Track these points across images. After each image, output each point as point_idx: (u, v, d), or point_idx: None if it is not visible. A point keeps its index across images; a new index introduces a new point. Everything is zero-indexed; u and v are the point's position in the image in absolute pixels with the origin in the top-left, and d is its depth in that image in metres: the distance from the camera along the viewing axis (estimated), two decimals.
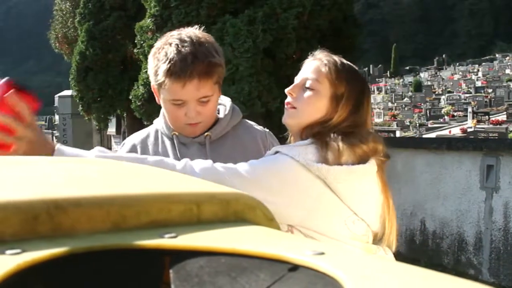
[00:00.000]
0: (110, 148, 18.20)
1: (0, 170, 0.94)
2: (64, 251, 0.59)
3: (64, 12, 16.43)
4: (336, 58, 1.82)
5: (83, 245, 0.60)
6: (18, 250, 0.57)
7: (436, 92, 27.12)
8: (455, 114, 17.33)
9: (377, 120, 22.40)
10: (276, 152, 1.70)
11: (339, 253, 0.64)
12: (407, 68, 55.12)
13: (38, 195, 0.65)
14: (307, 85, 1.76)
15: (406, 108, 25.78)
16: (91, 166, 1.01)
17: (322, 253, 0.61)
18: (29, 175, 0.87)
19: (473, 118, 14.70)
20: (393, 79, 45.15)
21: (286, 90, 1.80)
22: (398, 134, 17.71)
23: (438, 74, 39.62)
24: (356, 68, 1.86)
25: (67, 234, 0.63)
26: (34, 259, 0.56)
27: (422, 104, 25.99)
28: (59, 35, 16.46)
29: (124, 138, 14.88)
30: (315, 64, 1.79)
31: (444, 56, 53.25)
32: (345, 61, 1.83)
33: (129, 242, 0.63)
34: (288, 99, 1.80)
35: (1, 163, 1.04)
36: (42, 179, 0.82)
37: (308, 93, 1.76)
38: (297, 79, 1.81)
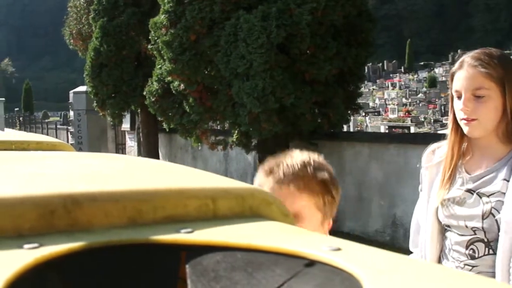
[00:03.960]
0: (124, 144, 18.26)
1: (17, 165, 0.95)
2: (81, 245, 0.59)
3: (78, 9, 16.45)
4: (480, 53, 1.89)
5: (100, 240, 0.61)
6: (36, 245, 0.57)
7: None
8: None
9: (391, 116, 22.30)
10: None
11: (356, 248, 0.63)
12: (422, 63, 54.78)
13: (55, 190, 0.66)
14: (477, 94, 1.86)
15: (420, 104, 25.65)
16: (107, 161, 1.02)
17: (339, 249, 0.61)
18: (45, 170, 0.87)
19: None
20: (407, 74, 44.95)
21: (462, 108, 1.88)
22: (412, 130, 17.62)
23: None
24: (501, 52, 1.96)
25: (84, 229, 0.63)
26: (51, 253, 0.56)
27: (436, 100, 25.83)
28: (74, 32, 16.50)
29: (138, 134, 14.92)
30: (471, 72, 1.86)
31: (459, 51, 52.83)
32: (487, 51, 1.91)
33: (146, 237, 0.63)
34: (464, 115, 1.89)
35: (18, 158, 1.05)
36: (59, 174, 0.82)
37: (482, 102, 1.86)
38: (464, 92, 1.88)
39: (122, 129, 17.53)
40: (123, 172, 0.90)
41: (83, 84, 16.98)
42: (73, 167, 0.93)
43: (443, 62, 47.73)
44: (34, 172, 0.84)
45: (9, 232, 0.60)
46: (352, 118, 13.70)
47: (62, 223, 0.62)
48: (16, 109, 51.00)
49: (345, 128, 12.66)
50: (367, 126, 20.22)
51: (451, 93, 1.97)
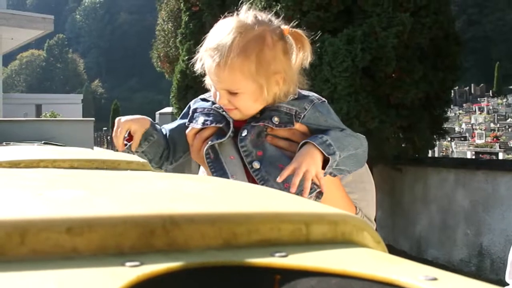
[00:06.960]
0: None
1: (115, 184, 0.98)
2: (179, 265, 0.60)
3: (166, 32, 16.92)
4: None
5: (197, 261, 0.62)
6: (137, 263, 0.59)
7: None
8: None
9: (478, 141, 21.64)
10: None
11: (453, 279, 0.62)
12: (511, 87, 52.92)
13: (155, 210, 0.68)
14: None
15: (509, 129, 24.77)
16: (203, 183, 1.04)
17: (435, 279, 0.60)
18: (144, 190, 0.90)
19: None
20: (496, 98, 43.53)
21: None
22: (501, 156, 17.03)
23: None
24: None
25: (181, 249, 0.65)
26: (152, 272, 0.58)
27: None
28: (161, 54, 16.98)
29: None
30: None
31: None
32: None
33: (240, 259, 0.64)
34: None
35: (114, 178, 1.09)
36: (155, 195, 0.85)
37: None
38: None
39: None
40: (216, 193, 0.92)
41: (168, 105, 17.38)
42: (167, 187, 0.96)
43: None
44: (132, 192, 0.88)
45: (111, 250, 0.62)
46: (437, 143, 13.39)
47: (161, 242, 0.64)
48: (104, 128, 52.72)
49: (430, 153, 12.38)
50: (452, 151, 19.71)
51: None
